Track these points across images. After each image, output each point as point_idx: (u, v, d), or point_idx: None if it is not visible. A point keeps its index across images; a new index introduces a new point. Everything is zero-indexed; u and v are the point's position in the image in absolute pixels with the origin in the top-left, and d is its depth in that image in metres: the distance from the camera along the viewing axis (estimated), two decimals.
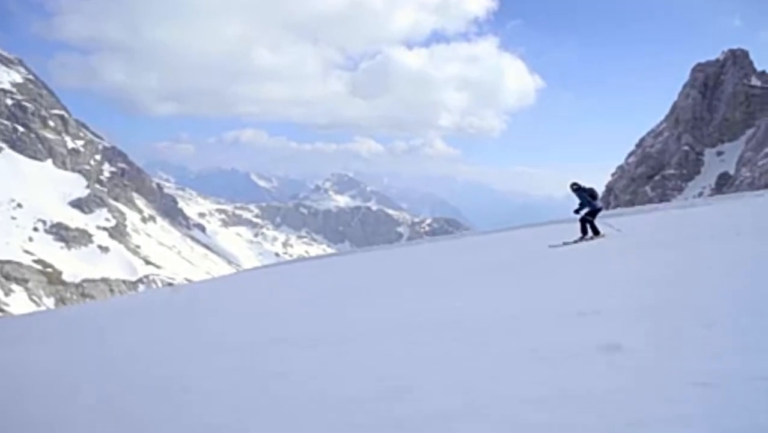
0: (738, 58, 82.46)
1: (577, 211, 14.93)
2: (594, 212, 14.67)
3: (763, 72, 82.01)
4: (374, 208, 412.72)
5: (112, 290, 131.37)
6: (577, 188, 14.83)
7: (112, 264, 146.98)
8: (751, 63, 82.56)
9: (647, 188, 76.51)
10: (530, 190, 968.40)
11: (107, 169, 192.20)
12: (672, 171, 76.68)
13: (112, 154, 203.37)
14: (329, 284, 15.39)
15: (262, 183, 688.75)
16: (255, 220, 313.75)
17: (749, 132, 73.01)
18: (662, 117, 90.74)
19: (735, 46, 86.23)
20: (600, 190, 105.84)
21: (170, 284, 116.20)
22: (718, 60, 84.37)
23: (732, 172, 67.95)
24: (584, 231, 14.55)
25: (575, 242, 14.38)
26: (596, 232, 14.51)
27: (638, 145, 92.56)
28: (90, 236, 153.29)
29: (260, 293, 16.15)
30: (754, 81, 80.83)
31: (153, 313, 14.15)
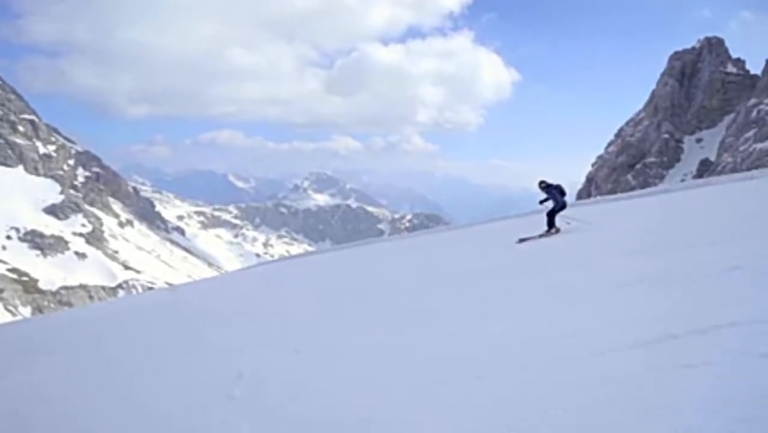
0: (714, 46, 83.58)
1: (542, 202, 15.61)
2: (562, 208, 15.16)
3: (738, 59, 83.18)
4: (354, 205, 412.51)
5: (91, 297, 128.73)
6: (546, 186, 15.31)
7: (90, 270, 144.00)
8: (726, 50, 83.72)
9: (629, 177, 77.12)
10: (509, 183, 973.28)
11: (81, 173, 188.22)
12: (653, 159, 77.42)
13: (85, 159, 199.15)
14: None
15: (240, 184, 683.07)
16: (234, 221, 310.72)
17: (728, 118, 74.03)
18: (640, 106, 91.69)
19: (708, 35, 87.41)
20: (580, 180, 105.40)
21: (150, 288, 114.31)
22: (694, 48, 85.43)
23: (713, 158, 68.74)
24: (551, 225, 15.08)
25: (541, 236, 14.84)
26: (554, 226, 15.14)
27: (617, 135, 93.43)
28: (66, 242, 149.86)
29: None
30: (730, 68, 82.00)
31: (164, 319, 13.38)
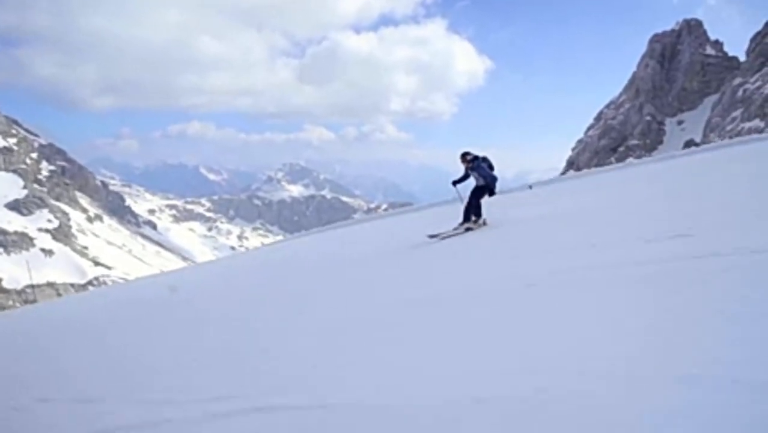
0: (693, 28, 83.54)
1: (457, 182, 11.92)
2: (492, 189, 11.33)
3: (717, 41, 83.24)
4: (328, 196, 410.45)
5: (59, 295, 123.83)
6: (472, 159, 11.35)
7: (57, 267, 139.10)
8: (705, 32, 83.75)
9: (612, 159, 76.28)
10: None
11: (45, 167, 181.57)
12: (635, 141, 76.89)
13: (49, 152, 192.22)
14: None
15: (212, 176, 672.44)
16: (207, 214, 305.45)
17: (708, 100, 74.15)
18: (617, 89, 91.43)
19: (687, 17, 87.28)
20: (560, 165, 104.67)
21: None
22: (673, 30, 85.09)
23: (697, 139, 68.23)
24: (479, 213, 11.36)
25: (457, 230, 11.22)
26: (479, 215, 11.38)
27: (597, 118, 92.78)
28: (31, 239, 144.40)
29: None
30: (709, 50, 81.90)
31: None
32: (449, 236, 10.90)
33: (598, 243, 6.17)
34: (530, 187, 12.43)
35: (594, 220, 9.17)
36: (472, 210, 11.25)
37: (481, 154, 11.45)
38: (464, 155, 11.41)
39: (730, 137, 58.39)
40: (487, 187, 11.21)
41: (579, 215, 10.40)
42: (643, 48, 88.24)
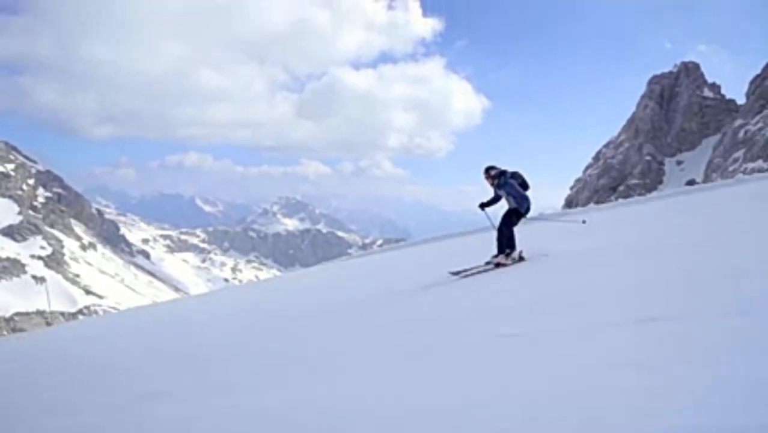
0: (690, 71, 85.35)
1: (485, 205, 9.66)
2: (526, 213, 9.24)
3: (714, 84, 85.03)
4: (324, 230, 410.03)
5: (48, 323, 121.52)
6: (498, 174, 9.31)
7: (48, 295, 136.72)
8: (702, 75, 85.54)
9: (612, 198, 76.51)
10: (478, 208, 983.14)
11: (42, 194, 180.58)
12: (636, 181, 77.19)
13: (46, 179, 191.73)
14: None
15: (207, 208, 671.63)
16: (202, 245, 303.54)
17: (712, 139, 75.11)
18: (612, 129, 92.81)
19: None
20: (557, 204, 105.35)
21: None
22: (671, 72, 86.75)
23: (698, 179, 68.66)
24: (512, 244, 9.16)
25: (489, 264, 9.17)
26: (513, 247, 9.15)
27: (596, 158, 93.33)
28: (23, 265, 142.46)
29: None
30: (707, 92, 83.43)
31: None
32: (475, 273, 9.00)
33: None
34: (584, 221, 10.90)
35: (653, 256, 7.12)
36: (505, 241, 9.07)
37: (510, 169, 9.43)
38: (488, 170, 9.41)
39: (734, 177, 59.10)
40: (524, 212, 9.16)
41: (638, 248, 8.22)
42: (636, 88, 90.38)
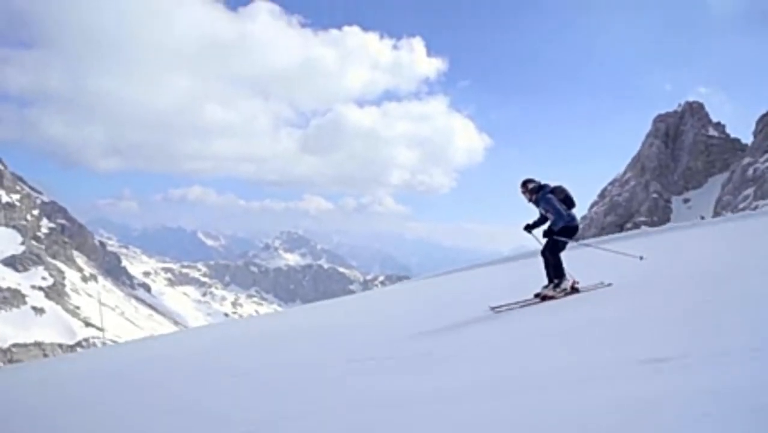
0: (695, 110, 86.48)
1: (531, 228, 8.52)
2: (572, 231, 8.21)
3: (719, 123, 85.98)
4: (325, 266, 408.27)
5: (46, 355, 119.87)
6: (537, 188, 8.37)
7: (47, 326, 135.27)
8: (706, 114, 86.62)
9: None
10: (480, 245, 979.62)
11: (45, 225, 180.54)
12: (643, 218, 77.05)
13: (51, 210, 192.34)
14: None
15: (209, 242, 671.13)
16: (203, 279, 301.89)
17: (717, 177, 75.55)
18: (616, 167, 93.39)
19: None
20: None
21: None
22: (676, 111, 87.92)
23: (709, 217, 68.68)
24: (560, 273, 8.09)
25: (539, 295, 8.14)
26: (562, 276, 8.10)
27: (601, 195, 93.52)
28: (23, 296, 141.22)
29: None
30: (711, 131, 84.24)
31: None
32: (517, 306, 8.03)
33: None
34: (641, 258, 9.11)
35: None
36: (551, 270, 8.05)
37: (552, 184, 8.41)
38: (525, 183, 8.45)
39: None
40: (567, 230, 8.06)
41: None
42: (637, 128, 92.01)
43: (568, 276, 8.06)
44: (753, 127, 71.69)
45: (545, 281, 8.20)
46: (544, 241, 8.24)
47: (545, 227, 8.20)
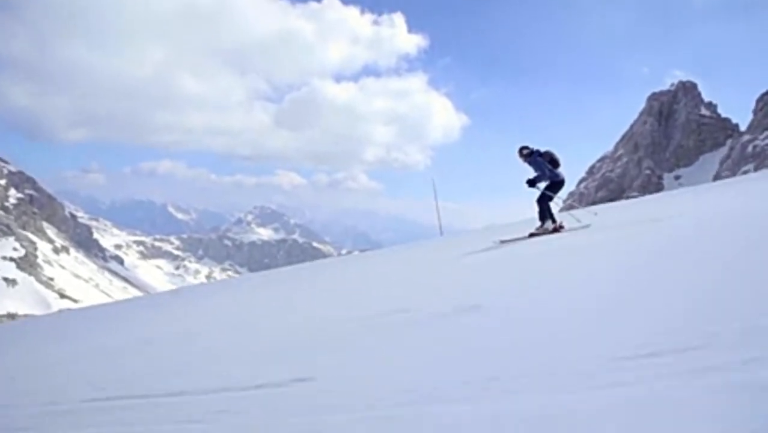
0: (688, 90, 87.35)
1: (532, 183, 10.36)
2: (556, 186, 10.39)
3: (711, 103, 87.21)
4: (300, 240, 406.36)
5: None
6: (529, 153, 10.42)
7: (19, 298, 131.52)
8: (699, 94, 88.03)
9: None
10: (454, 223, 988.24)
11: (14, 195, 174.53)
12: (635, 193, 78.00)
13: (18, 180, 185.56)
14: None
15: (180, 215, 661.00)
16: (176, 252, 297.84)
17: (708, 156, 76.80)
18: (596, 147, 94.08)
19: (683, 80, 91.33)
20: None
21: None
22: (670, 90, 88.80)
23: None
24: (544, 216, 10.34)
25: (533, 234, 10.26)
26: (554, 220, 10.33)
27: (590, 171, 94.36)
28: None
29: None
30: (704, 111, 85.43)
31: None
32: (518, 240, 10.22)
33: None
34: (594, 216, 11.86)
35: None
36: (548, 209, 10.35)
37: (543, 148, 10.55)
38: (521, 150, 10.56)
39: None
40: (553, 185, 10.31)
41: None
42: (616, 109, 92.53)
43: (557, 219, 10.41)
44: (735, 109, 73.11)
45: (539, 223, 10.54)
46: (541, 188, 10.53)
47: (542, 185, 10.42)
